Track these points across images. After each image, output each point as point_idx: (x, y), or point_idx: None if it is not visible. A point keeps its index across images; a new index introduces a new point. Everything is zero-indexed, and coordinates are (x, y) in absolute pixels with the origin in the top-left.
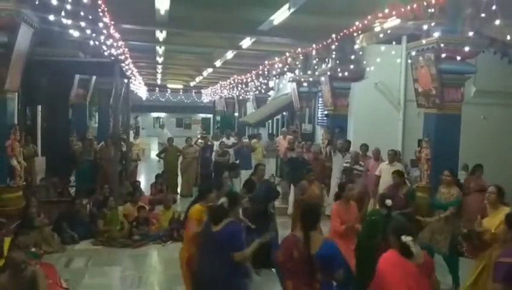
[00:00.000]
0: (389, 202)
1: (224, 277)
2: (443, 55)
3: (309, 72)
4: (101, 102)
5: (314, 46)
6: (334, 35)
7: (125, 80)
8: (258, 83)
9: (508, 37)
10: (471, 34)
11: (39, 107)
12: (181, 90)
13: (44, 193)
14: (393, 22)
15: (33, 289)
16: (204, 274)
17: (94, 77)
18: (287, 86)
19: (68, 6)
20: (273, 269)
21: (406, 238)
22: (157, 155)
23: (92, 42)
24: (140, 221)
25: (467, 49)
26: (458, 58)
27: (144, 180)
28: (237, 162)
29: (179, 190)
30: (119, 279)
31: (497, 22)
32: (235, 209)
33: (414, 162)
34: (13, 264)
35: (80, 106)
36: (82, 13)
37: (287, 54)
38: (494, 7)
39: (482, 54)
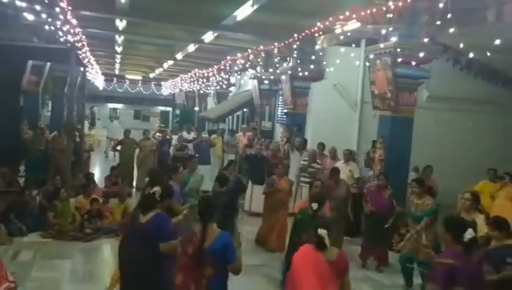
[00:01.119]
0: (314, 205)
1: (147, 268)
2: (399, 60)
3: (270, 70)
4: (55, 90)
5: (276, 44)
6: (296, 35)
7: (81, 68)
8: (220, 78)
9: (461, 45)
10: (426, 40)
11: None
12: (140, 82)
13: None
14: (353, 25)
15: None
16: (128, 264)
17: (48, 64)
18: (248, 83)
19: None
20: None
21: (321, 231)
22: (113, 148)
23: (47, 27)
24: (93, 214)
25: (422, 54)
26: (413, 63)
27: (98, 172)
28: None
29: (134, 183)
30: (69, 273)
31: (452, 30)
32: (165, 202)
33: (367, 162)
34: None
35: (32, 93)
36: None
37: (249, 50)
38: (449, 16)
39: (435, 61)
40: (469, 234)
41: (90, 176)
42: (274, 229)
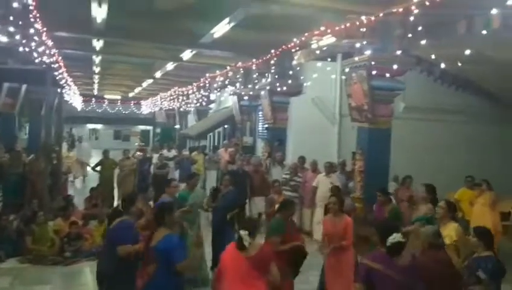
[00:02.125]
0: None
1: (111, 271)
2: (374, 72)
3: (249, 86)
4: (32, 112)
5: (254, 60)
6: (273, 51)
7: (58, 90)
8: (199, 96)
9: (433, 56)
10: (399, 52)
11: None
12: (119, 101)
13: None
14: (328, 39)
15: None
16: (99, 267)
17: (24, 86)
18: (228, 99)
19: None
20: None
21: (242, 232)
22: (92, 168)
23: (22, 49)
24: (72, 237)
25: (395, 67)
26: (387, 75)
27: (78, 194)
28: (177, 173)
29: (115, 204)
30: None
31: (423, 42)
32: (132, 209)
33: (348, 174)
34: None
35: (8, 116)
36: (11, 18)
37: (228, 67)
38: (420, 28)
39: (410, 72)
40: (393, 238)
41: (69, 199)
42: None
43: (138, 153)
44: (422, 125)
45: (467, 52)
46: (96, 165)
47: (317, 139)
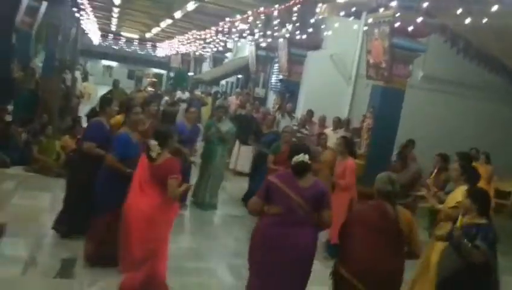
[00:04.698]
0: None
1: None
2: (396, 25)
3: (269, 32)
4: (49, 37)
5: (276, 6)
6: None
7: (77, 15)
8: (217, 40)
9: (458, 12)
10: (426, 7)
11: None
12: (136, 41)
13: None
14: None
15: None
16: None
17: (44, 7)
18: (245, 49)
19: None
20: None
21: (151, 142)
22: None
23: None
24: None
25: (420, 24)
26: (410, 29)
27: (86, 121)
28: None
29: None
30: (48, 204)
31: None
32: (105, 109)
33: (354, 131)
34: None
35: (25, 34)
36: None
37: (249, 12)
38: None
39: (432, 41)
40: (297, 158)
41: (77, 119)
42: None
43: (149, 88)
44: (438, 96)
45: (496, 25)
46: (107, 93)
47: (330, 97)
